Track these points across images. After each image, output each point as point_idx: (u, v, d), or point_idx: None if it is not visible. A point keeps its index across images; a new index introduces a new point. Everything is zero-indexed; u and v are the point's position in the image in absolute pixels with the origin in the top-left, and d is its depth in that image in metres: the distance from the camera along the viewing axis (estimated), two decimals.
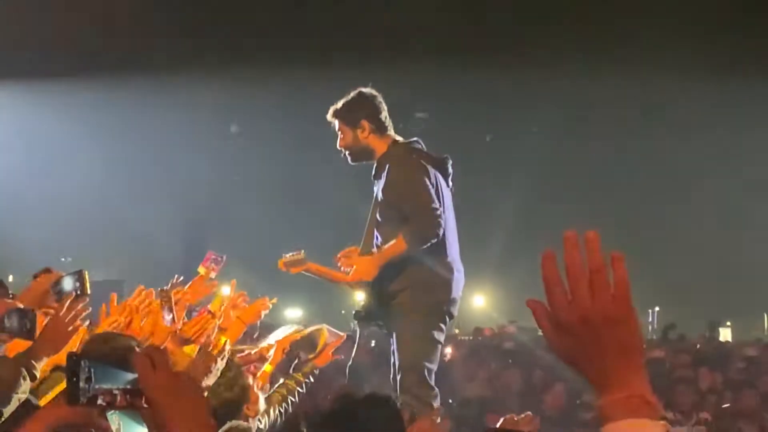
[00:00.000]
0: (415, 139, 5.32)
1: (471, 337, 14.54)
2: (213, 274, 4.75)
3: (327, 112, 5.25)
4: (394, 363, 5.04)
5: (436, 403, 4.99)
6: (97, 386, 1.81)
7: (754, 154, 20.79)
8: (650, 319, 30.09)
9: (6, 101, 17.68)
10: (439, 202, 5.02)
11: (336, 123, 5.22)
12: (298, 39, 15.23)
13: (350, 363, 5.62)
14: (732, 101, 18.89)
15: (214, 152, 20.22)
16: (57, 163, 19.27)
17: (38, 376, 2.85)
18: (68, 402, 1.82)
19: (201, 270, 4.73)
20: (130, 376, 1.84)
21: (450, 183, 5.26)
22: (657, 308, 29.70)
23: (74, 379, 1.81)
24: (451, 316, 5.22)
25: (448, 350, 9.99)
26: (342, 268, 5.20)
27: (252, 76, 16.07)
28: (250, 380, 4.07)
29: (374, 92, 5.21)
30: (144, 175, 20.42)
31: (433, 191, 5.01)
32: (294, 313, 28.01)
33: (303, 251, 5.17)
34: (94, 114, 17.71)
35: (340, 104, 5.21)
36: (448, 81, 17.54)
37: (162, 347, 2.04)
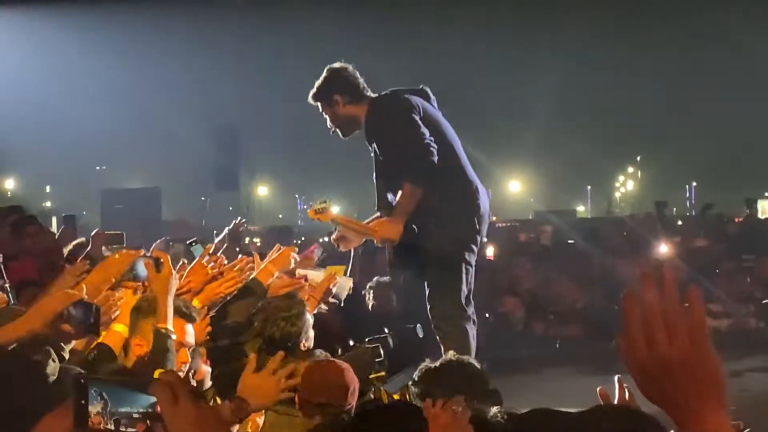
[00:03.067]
0: (387, 91, 5.29)
1: (507, 225, 14.44)
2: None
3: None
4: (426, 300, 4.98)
5: (469, 326, 4.91)
6: (113, 410, 1.76)
7: None
8: (687, 195, 29.97)
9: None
10: (430, 127, 5.00)
11: (319, 106, 5.25)
12: None
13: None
14: None
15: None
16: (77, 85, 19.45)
17: (66, 357, 2.74)
18: (76, 425, 1.77)
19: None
20: (147, 399, 1.73)
21: (435, 106, 5.22)
22: (694, 183, 29.51)
23: (82, 401, 1.76)
24: (481, 236, 5.13)
25: (489, 251, 9.87)
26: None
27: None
28: (310, 317, 4.05)
29: (342, 65, 5.22)
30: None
31: (418, 119, 4.99)
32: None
33: (327, 200, 5.10)
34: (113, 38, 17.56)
35: (314, 88, 5.23)
36: None
37: (180, 375, 1.92)
